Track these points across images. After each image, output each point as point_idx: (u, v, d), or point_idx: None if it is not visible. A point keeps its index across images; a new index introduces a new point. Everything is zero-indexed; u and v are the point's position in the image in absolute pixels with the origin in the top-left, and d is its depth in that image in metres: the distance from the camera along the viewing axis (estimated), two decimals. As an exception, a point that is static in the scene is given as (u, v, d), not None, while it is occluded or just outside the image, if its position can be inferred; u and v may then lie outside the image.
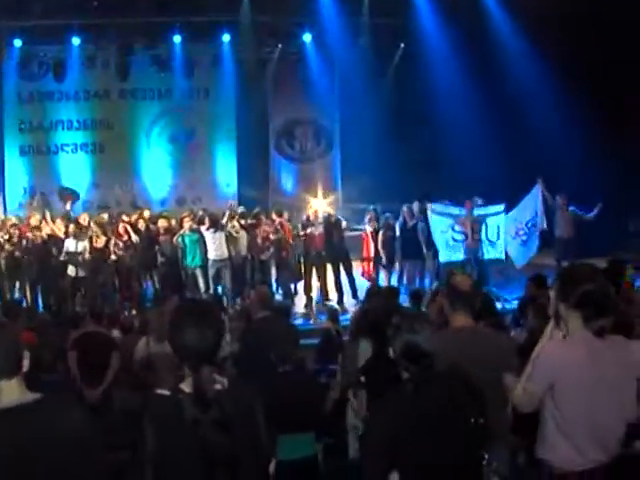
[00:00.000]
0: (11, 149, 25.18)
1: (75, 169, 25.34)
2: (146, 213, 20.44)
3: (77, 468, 3.69)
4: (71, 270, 17.88)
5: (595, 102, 20.63)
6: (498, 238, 18.22)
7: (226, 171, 26.07)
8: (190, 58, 25.19)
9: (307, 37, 25.26)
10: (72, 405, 4.00)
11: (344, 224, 18.82)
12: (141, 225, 19.12)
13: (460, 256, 17.92)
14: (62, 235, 18.45)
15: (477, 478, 4.46)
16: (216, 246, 18.19)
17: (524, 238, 18.04)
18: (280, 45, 25.39)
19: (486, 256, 18.06)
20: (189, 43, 24.81)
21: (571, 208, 18.39)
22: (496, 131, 22.21)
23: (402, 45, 25.35)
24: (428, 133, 22.98)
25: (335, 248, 18.44)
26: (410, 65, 24.37)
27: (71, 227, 18.42)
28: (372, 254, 18.95)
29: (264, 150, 26.37)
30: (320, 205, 19.72)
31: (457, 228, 17.94)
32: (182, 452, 3.96)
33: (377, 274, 19.02)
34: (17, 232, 18.71)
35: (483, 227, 18.05)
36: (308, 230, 18.56)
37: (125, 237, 18.64)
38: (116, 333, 11.93)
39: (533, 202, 17.96)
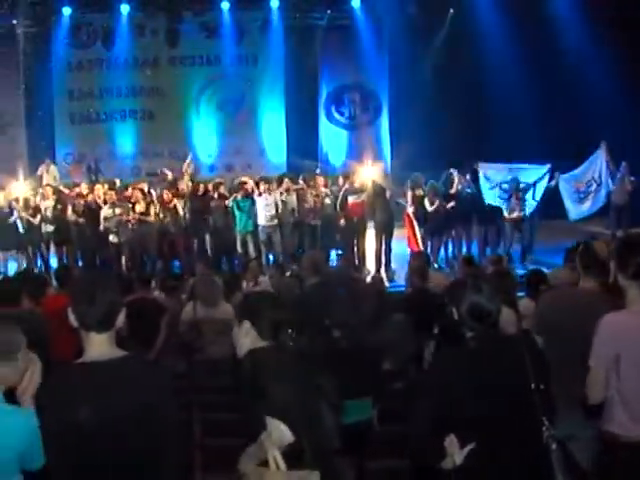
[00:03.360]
0: (61, 117, 25.43)
1: (124, 136, 25.52)
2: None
3: (156, 424, 3.83)
4: (112, 237, 18.02)
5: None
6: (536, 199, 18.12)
7: (275, 138, 26.02)
8: (239, 24, 25.24)
9: (356, 2, 25.14)
10: (155, 365, 4.39)
11: (388, 194, 18.64)
12: (200, 191, 19.10)
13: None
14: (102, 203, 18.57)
15: (536, 443, 4.43)
16: (267, 211, 18.21)
17: (582, 196, 17.92)
18: (329, 11, 25.36)
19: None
20: (238, 9, 24.90)
21: (632, 178, 18.46)
22: (548, 96, 22.00)
23: (451, 10, 25.07)
24: (478, 99, 22.82)
25: (378, 217, 18.32)
26: (460, 30, 24.09)
27: (109, 194, 18.60)
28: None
29: (313, 116, 26.24)
30: (368, 172, 19.60)
31: (504, 186, 17.89)
32: (298, 401, 4.13)
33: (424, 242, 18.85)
34: (70, 199, 19.08)
35: (530, 192, 17.97)
36: (352, 198, 18.47)
37: (170, 204, 18.63)
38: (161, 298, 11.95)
39: (595, 164, 17.83)
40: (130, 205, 18.33)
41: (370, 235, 18.59)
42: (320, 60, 26.16)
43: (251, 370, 4.37)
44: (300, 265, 11.83)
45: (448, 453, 4.44)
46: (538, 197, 18.08)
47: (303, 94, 25.75)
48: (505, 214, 18.04)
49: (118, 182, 21.02)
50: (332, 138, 26.44)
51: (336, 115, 26.47)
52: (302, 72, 25.52)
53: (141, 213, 18.20)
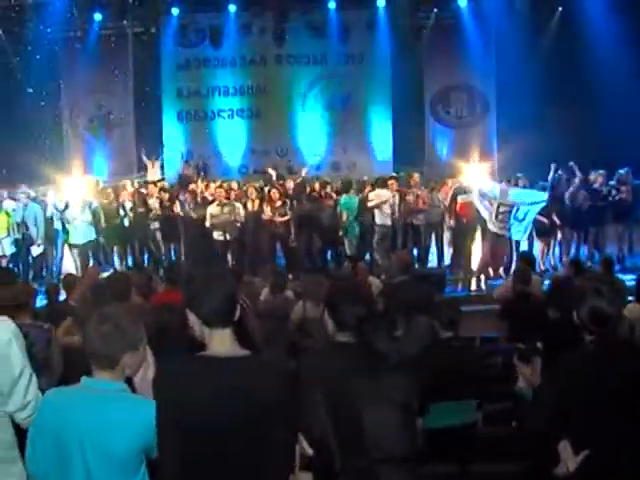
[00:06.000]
0: (169, 115, 25.94)
1: (231, 134, 25.84)
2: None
3: (271, 425, 3.78)
4: (217, 234, 18.01)
5: None
6: (524, 219, 17.27)
7: (381, 137, 25.93)
8: (345, 24, 25.31)
9: (462, 2, 25.03)
10: (278, 365, 4.13)
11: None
12: (306, 190, 19.03)
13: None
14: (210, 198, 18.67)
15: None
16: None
17: None
18: (435, 10, 25.32)
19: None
20: (344, 9, 25.00)
21: None
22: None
23: (560, 9, 24.75)
24: (587, 99, 22.41)
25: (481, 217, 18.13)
26: (568, 29, 23.76)
27: (218, 192, 18.51)
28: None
29: (419, 115, 26.12)
30: (475, 172, 19.44)
31: (486, 203, 17.14)
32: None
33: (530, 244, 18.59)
34: (181, 194, 19.25)
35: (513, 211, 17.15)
36: (462, 197, 18.28)
37: (278, 203, 18.48)
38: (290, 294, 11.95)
39: None
40: (240, 204, 18.39)
41: (478, 236, 18.44)
42: (426, 59, 26.07)
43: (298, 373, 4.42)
44: (389, 263, 11.79)
45: (562, 459, 4.37)
46: (518, 215, 17.23)
47: (409, 93, 25.58)
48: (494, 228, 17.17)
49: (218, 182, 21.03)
50: (438, 137, 26.32)
51: (442, 114, 26.32)
52: (408, 71, 25.39)
53: (254, 212, 18.31)
